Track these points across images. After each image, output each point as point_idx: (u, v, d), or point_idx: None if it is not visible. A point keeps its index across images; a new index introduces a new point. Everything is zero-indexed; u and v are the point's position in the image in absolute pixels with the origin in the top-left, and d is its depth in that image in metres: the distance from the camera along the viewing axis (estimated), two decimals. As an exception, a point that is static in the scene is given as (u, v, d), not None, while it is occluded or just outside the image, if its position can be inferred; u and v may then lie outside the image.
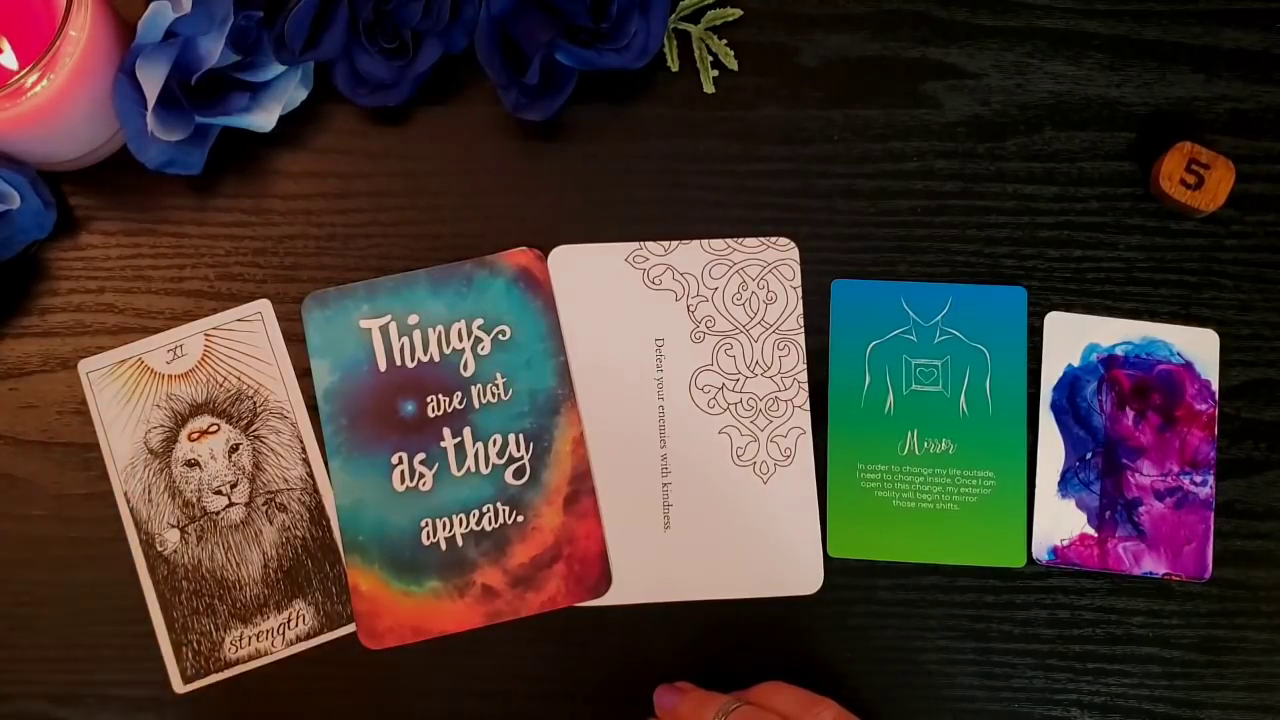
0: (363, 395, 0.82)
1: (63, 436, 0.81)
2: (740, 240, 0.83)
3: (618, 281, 0.83)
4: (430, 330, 0.82)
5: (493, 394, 0.82)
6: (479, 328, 0.82)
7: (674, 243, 0.83)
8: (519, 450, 0.82)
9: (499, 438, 0.82)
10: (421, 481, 0.81)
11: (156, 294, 0.82)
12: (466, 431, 0.82)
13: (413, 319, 0.82)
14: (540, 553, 0.81)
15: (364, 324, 0.82)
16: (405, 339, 0.82)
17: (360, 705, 0.81)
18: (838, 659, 0.82)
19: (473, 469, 0.81)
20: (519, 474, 0.82)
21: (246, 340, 0.82)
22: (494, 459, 0.82)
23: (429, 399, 0.82)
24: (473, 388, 0.82)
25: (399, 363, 0.82)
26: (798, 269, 0.83)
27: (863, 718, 0.72)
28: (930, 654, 0.82)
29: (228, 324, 0.82)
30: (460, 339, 0.82)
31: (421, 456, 0.81)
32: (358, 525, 0.81)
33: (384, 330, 0.82)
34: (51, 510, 0.81)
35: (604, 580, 0.81)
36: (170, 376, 0.82)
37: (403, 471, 0.81)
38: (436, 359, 0.82)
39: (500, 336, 0.82)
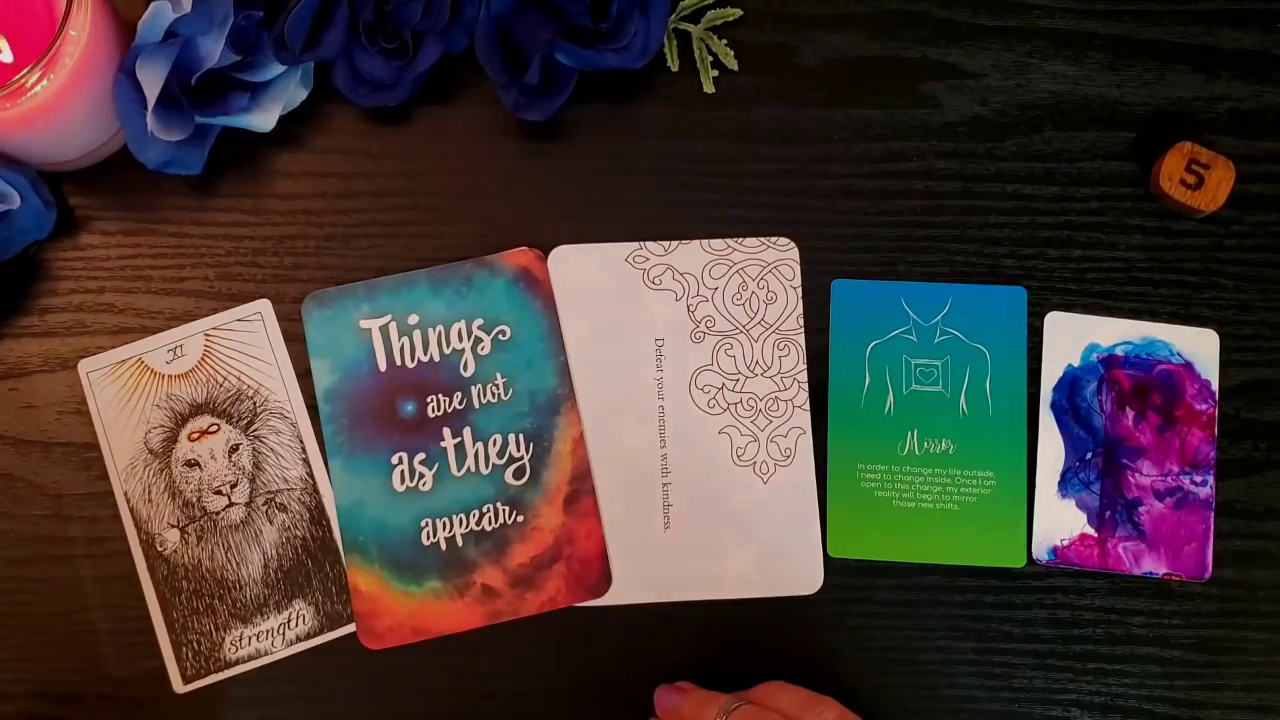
0: (363, 395, 0.82)
1: (63, 436, 0.81)
2: (740, 240, 0.83)
3: (618, 281, 0.83)
4: (430, 330, 0.82)
5: (493, 394, 0.82)
6: (479, 328, 0.82)
7: (674, 243, 0.83)
8: (519, 450, 0.82)
9: (499, 438, 0.82)
10: (421, 481, 0.81)
11: (156, 294, 0.82)
12: (466, 431, 0.82)
13: (413, 319, 0.82)
14: (540, 553, 0.81)
15: (364, 324, 0.82)
16: (405, 339, 0.82)
17: (360, 705, 0.81)
18: (838, 659, 0.82)
19: (473, 469, 0.81)
20: (519, 474, 0.82)
21: (246, 340, 0.82)
22: (494, 459, 0.82)
23: (429, 399, 0.82)
24: (473, 388, 0.82)
25: (399, 363, 0.82)
26: (798, 269, 0.83)
27: (864, 718, 0.72)
28: (930, 654, 0.82)
29: (228, 324, 0.82)
30: (460, 339, 0.82)
31: (421, 456, 0.81)
32: (358, 525, 0.81)
33: (384, 330, 0.82)
34: (51, 510, 0.81)
35: (604, 580, 0.81)
36: (170, 376, 0.82)
37: (403, 471, 0.81)
38: (436, 359, 0.82)
39: (500, 336, 0.82)
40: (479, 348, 0.82)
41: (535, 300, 0.82)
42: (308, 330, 0.82)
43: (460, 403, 0.82)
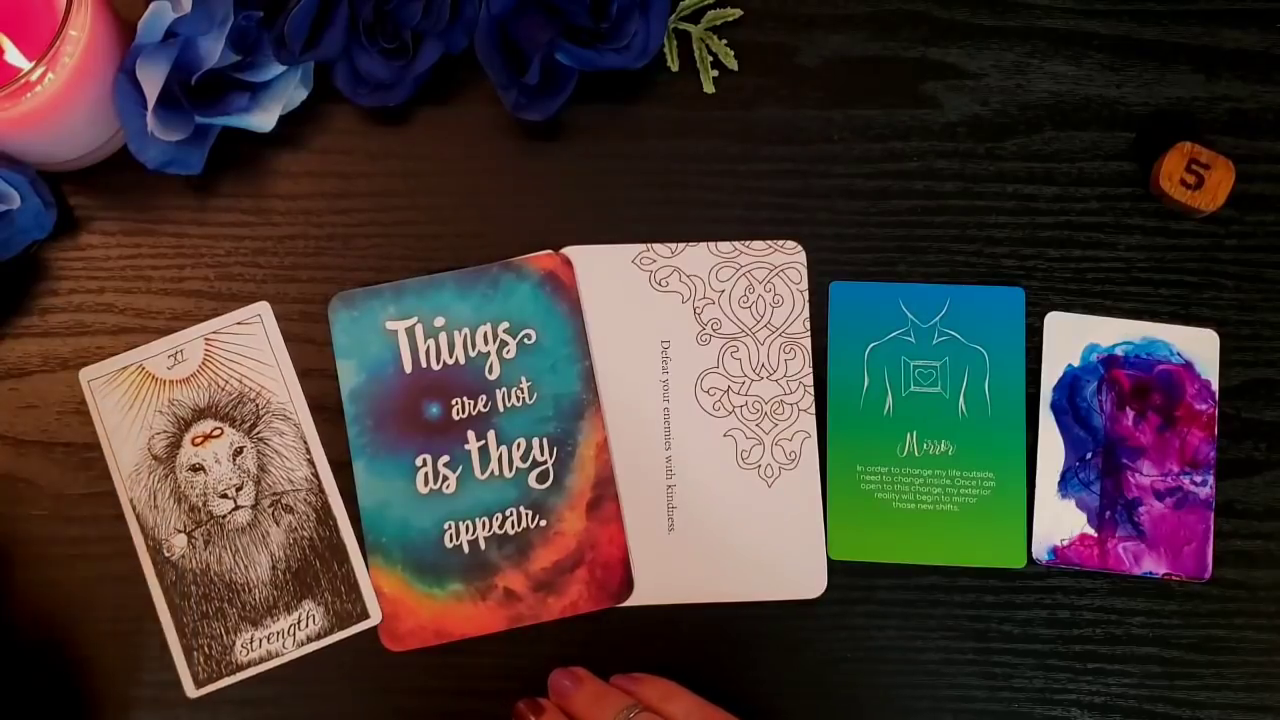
0: (388, 396, 0.82)
1: (63, 437, 0.81)
2: (748, 243, 0.83)
3: (624, 283, 0.83)
4: (456, 333, 0.82)
5: (517, 397, 0.82)
6: (505, 331, 0.82)
7: (681, 245, 0.83)
8: (543, 454, 0.82)
9: (523, 441, 0.82)
10: (445, 484, 0.81)
11: (156, 294, 0.82)
12: (490, 435, 0.82)
13: (439, 321, 0.82)
14: (562, 557, 0.81)
15: (390, 325, 0.82)
16: (431, 341, 0.82)
17: (371, 704, 0.81)
18: (838, 659, 0.82)
19: (496, 472, 0.81)
20: (542, 478, 0.82)
21: (247, 343, 0.82)
22: (518, 463, 0.82)
23: (454, 401, 0.82)
24: (497, 391, 0.82)
25: (424, 365, 0.82)
26: (804, 273, 0.83)
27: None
28: (930, 654, 0.82)
29: (227, 327, 0.82)
30: (486, 342, 0.82)
31: (445, 459, 0.81)
32: (381, 527, 0.81)
33: (410, 332, 0.82)
34: (51, 510, 0.81)
35: (626, 586, 0.81)
36: (172, 382, 0.81)
37: (426, 474, 0.81)
38: (462, 361, 0.82)
39: (526, 340, 0.82)
40: (504, 351, 0.82)
41: (561, 304, 0.82)
42: (334, 331, 0.82)
43: (485, 406, 0.82)
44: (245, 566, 0.81)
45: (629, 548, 0.82)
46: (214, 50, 0.77)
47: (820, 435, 0.83)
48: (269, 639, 0.80)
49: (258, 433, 0.81)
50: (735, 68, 0.85)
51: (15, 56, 0.75)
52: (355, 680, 0.81)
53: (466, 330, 0.82)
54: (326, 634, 0.81)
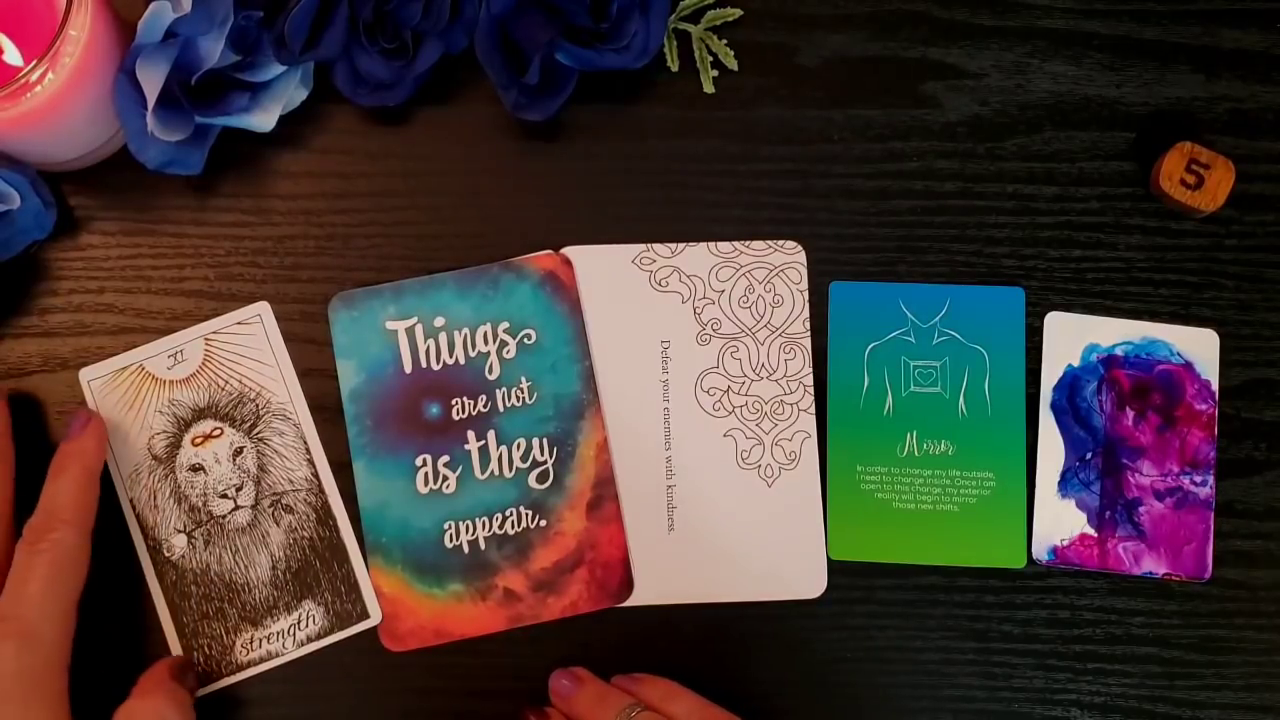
0: (388, 397, 0.82)
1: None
2: (748, 243, 0.83)
3: (624, 283, 0.83)
4: (456, 333, 0.82)
5: (517, 397, 0.82)
6: (505, 331, 0.82)
7: (681, 245, 0.83)
8: (543, 454, 0.82)
9: (523, 441, 0.82)
10: (445, 484, 0.81)
11: (156, 294, 0.82)
12: (490, 435, 0.81)
13: (439, 321, 0.82)
14: (562, 557, 0.81)
15: (390, 325, 0.82)
16: (431, 341, 0.82)
17: (372, 704, 0.81)
18: (838, 659, 0.82)
19: (496, 472, 0.81)
20: (542, 478, 0.82)
21: (247, 343, 0.82)
22: (518, 462, 0.82)
23: (454, 401, 0.82)
24: (497, 391, 0.82)
25: (424, 365, 0.82)
26: (804, 273, 0.83)
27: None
28: (930, 654, 0.82)
29: (227, 328, 0.82)
30: (486, 342, 0.82)
31: (445, 459, 0.81)
32: (381, 527, 0.81)
33: (410, 332, 0.82)
34: (51, 511, 0.81)
35: (626, 586, 0.81)
36: (172, 382, 0.81)
37: (426, 474, 0.81)
38: (462, 361, 0.82)
39: (526, 340, 0.82)
40: (504, 351, 0.82)
41: (561, 304, 0.82)
42: (334, 331, 0.82)
43: (485, 406, 0.82)
44: (245, 566, 0.81)
45: (629, 548, 0.82)
46: (214, 50, 0.77)
47: (820, 435, 0.83)
48: (269, 639, 0.80)
49: (258, 433, 0.81)
50: (735, 68, 0.85)
51: (15, 56, 0.75)
52: (355, 680, 0.81)
53: (466, 330, 0.82)
54: (326, 634, 0.81)
